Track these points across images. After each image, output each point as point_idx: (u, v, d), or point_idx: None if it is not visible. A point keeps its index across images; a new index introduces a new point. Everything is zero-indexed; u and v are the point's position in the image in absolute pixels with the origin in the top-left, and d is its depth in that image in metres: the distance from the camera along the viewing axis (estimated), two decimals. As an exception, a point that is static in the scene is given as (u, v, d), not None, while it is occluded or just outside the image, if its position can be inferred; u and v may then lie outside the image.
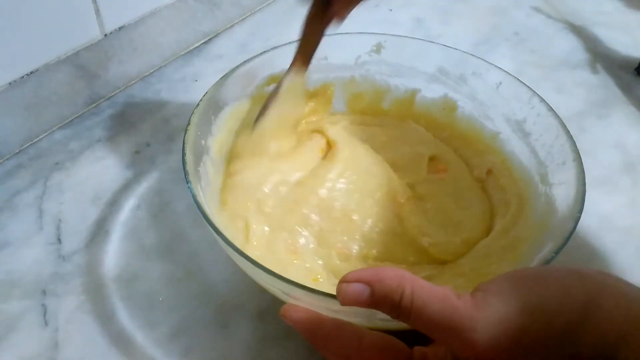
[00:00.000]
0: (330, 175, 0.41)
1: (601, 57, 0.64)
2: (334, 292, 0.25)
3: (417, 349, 0.26)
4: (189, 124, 0.36)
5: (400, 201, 0.40)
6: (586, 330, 0.22)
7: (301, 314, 0.28)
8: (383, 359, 0.26)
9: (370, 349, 0.26)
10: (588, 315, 0.22)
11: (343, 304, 0.25)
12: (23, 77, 0.45)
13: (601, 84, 0.60)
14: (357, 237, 0.38)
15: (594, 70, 0.62)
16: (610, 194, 0.47)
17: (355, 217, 0.38)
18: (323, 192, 0.39)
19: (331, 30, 0.40)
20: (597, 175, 0.48)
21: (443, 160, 0.44)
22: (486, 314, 0.22)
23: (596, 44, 0.66)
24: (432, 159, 0.44)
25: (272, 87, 0.43)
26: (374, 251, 0.37)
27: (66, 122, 0.51)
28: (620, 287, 0.23)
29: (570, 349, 0.22)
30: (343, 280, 0.25)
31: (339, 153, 0.42)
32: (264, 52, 0.43)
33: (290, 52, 0.43)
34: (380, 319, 0.27)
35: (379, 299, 0.24)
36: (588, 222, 0.44)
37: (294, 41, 0.44)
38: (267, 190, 0.39)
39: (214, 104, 0.40)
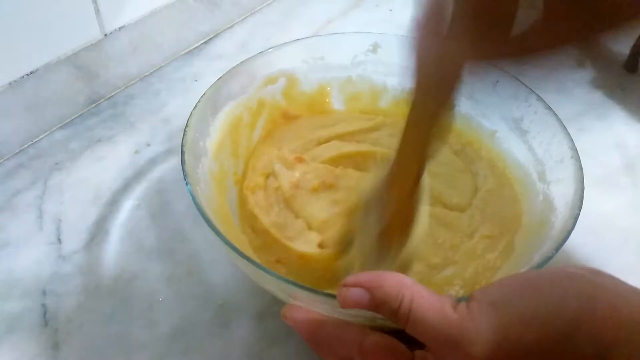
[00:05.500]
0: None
1: (601, 57, 0.64)
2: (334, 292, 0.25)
3: (418, 353, 0.26)
4: (187, 125, 0.36)
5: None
6: (581, 336, 0.22)
7: (302, 315, 0.28)
8: None
9: (373, 350, 0.26)
10: (582, 321, 0.22)
11: (343, 307, 0.25)
12: (23, 77, 0.45)
13: (601, 84, 0.60)
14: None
15: (594, 70, 0.62)
16: (610, 194, 0.47)
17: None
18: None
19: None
20: (597, 175, 0.48)
21: None
22: (481, 326, 0.22)
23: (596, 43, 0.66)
24: None
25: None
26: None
27: (66, 122, 0.51)
28: (613, 287, 0.23)
29: (567, 355, 0.22)
30: (343, 285, 0.25)
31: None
32: (262, 52, 0.43)
33: (285, 52, 0.43)
34: (382, 318, 0.27)
35: (378, 305, 0.24)
36: (588, 222, 0.44)
37: (293, 41, 0.44)
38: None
39: (212, 105, 0.40)
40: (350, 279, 0.25)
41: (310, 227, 0.39)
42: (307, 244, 0.38)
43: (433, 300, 0.24)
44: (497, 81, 0.43)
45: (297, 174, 0.42)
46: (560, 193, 0.35)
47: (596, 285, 0.23)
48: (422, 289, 0.24)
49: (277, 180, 0.42)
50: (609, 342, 0.21)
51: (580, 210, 0.32)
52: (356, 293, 0.24)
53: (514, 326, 0.22)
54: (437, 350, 0.24)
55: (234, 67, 0.41)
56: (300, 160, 0.43)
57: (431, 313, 0.23)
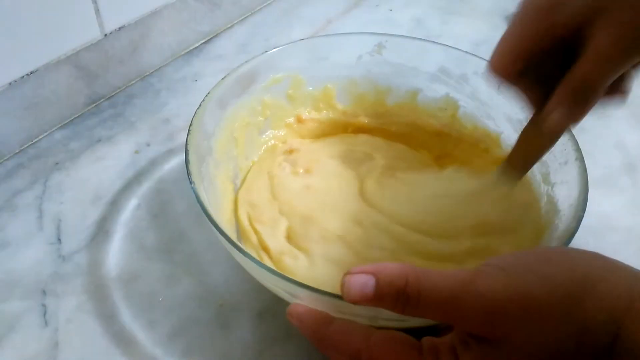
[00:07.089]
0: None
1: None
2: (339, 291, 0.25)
3: (426, 340, 0.26)
4: (191, 124, 0.36)
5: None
6: (591, 300, 0.22)
7: (308, 314, 0.28)
8: (393, 352, 0.26)
9: (379, 344, 0.26)
10: (592, 287, 0.22)
11: (348, 297, 0.25)
12: (23, 77, 0.45)
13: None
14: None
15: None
16: (610, 194, 0.47)
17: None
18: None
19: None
20: (597, 175, 0.48)
21: None
22: (494, 279, 0.23)
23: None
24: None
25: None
26: None
27: (66, 122, 0.51)
28: (623, 266, 0.24)
29: (577, 321, 0.22)
30: (347, 273, 0.25)
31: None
32: (266, 52, 0.43)
33: (290, 52, 0.43)
34: (384, 318, 0.27)
35: (384, 287, 0.24)
36: (588, 222, 0.43)
37: (294, 41, 0.44)
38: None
39: (216, 104, 0.40)
40: (353, 268, 0.25)
41: (281, 212, 0.40)
42: (274, 237, 0.38)
43: (439, 271, 0.24)
44: (502, 82, 0.43)
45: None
46: (564, 195, 0.35)
47: (605, 259, 0.24)
48: (423, 268, 0.25)
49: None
50: (621, 310, 0.21)
51: (584, 213, 0.32)
52: (361, 278, 0.25)
53: (524, 284, 0.23)
54: (448, 310, 0.24)
55: (239, 66, 0.41)
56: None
57: (441, 279, 0.24)
